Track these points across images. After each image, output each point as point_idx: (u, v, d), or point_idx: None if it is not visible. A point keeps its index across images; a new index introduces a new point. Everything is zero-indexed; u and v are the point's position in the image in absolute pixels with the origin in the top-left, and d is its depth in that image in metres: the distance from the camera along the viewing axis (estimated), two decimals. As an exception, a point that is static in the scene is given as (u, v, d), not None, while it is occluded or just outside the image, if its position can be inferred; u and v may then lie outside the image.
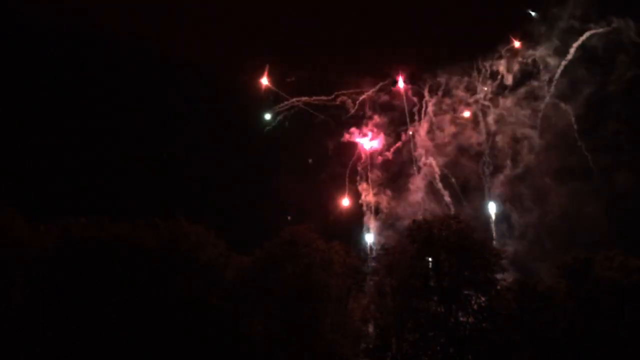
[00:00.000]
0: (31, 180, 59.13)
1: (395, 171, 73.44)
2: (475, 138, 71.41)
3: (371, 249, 64.42)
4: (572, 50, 66.30)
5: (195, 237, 47.65)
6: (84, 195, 58.91)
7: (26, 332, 41.48)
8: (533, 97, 69.84)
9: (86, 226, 45.04)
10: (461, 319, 46.32)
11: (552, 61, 68.15)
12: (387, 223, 70.52)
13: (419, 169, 72.38)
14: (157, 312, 43.77)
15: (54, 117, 62.06)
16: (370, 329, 48.50)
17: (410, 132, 73.24)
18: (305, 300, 46.35)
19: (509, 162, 70.07)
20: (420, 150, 72.81)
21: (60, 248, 43.71)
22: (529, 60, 69.60)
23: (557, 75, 67.18)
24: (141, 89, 65.98)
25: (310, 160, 73.69)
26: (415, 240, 48.41)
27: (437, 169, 71.55)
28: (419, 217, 57.48)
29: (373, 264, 52.38)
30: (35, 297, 42.44)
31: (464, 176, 71.66)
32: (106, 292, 43.06)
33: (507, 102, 70.51)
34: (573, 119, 66.59)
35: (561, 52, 67.54)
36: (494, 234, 67.32)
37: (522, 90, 70.05)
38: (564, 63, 66.78)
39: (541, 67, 69.08)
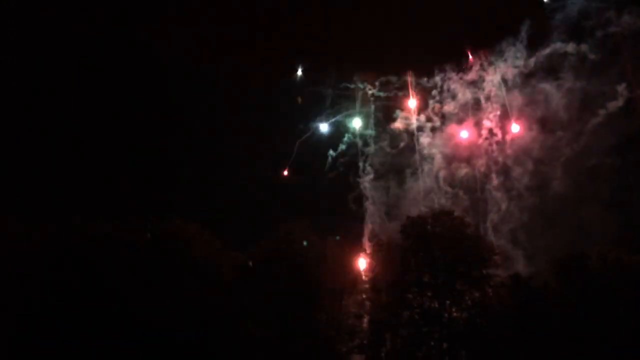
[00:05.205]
0: (23, 181, 59.07)
1: (400, 166, 72.94)
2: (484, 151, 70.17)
3: (367, 244, 64.28)
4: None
5: (190, 235, 47.85)
6: (77, 195, 58.92)
7: (20, 333, 41.70)
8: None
9: (79, 225, 45.26)
10: (455, 314, 46.49)
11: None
12: (388, 218, 70.31)
13: (425, 165, 71.79)
14: (151, 311, 43.87)
15: (47, 117, 61.85)
16: (365, 324, 48.69)
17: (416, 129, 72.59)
18: (300, 297, 46.60)
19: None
20: (429, 147, 72.13)
21: (53, 247, 43.94)
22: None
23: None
24: (136, 87, 65.48)
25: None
26: (409, 236, 48.60)
27: (443, 168, 71.01)
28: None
29: (368, 259, 52.38)
30: (29, 298, 42.56)
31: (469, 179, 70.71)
32: (100, 292, 43.23)
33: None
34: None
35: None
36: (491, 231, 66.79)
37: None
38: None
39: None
